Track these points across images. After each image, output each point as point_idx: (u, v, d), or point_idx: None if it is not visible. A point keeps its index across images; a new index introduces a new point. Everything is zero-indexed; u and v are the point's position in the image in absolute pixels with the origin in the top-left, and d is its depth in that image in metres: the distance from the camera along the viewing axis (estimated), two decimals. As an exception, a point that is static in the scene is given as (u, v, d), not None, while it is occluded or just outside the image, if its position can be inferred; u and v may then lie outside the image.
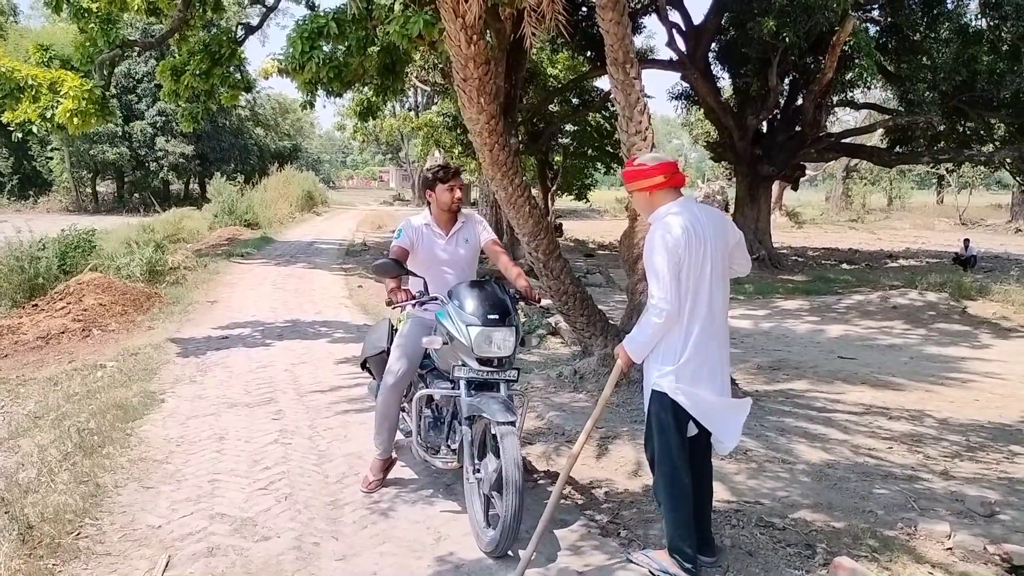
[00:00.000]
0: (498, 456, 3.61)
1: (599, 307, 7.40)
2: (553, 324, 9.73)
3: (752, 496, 4.65)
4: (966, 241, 22.30)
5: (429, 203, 4.55)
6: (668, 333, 3.48)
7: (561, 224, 29.43)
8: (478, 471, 3.87)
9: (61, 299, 10.06)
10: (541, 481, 4.74)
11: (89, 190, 45.83)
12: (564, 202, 36.98)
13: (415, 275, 4.29)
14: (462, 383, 3.95)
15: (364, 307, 11.64)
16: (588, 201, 33.81)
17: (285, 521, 4.11)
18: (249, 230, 24.77)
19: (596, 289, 14.41)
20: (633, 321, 7.28)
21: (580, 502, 4.51)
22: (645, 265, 3.54)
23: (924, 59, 17.44)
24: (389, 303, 4.13)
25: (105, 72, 16.56)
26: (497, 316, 3.92)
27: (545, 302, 7.64)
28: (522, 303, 4.34)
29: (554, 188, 27.03)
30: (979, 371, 8.86)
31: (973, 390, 7.96)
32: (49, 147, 42.32)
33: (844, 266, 22.35)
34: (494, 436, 3.65)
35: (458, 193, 4.50)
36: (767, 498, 4.63)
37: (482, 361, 3.89)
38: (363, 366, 4.95)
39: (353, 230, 28.97)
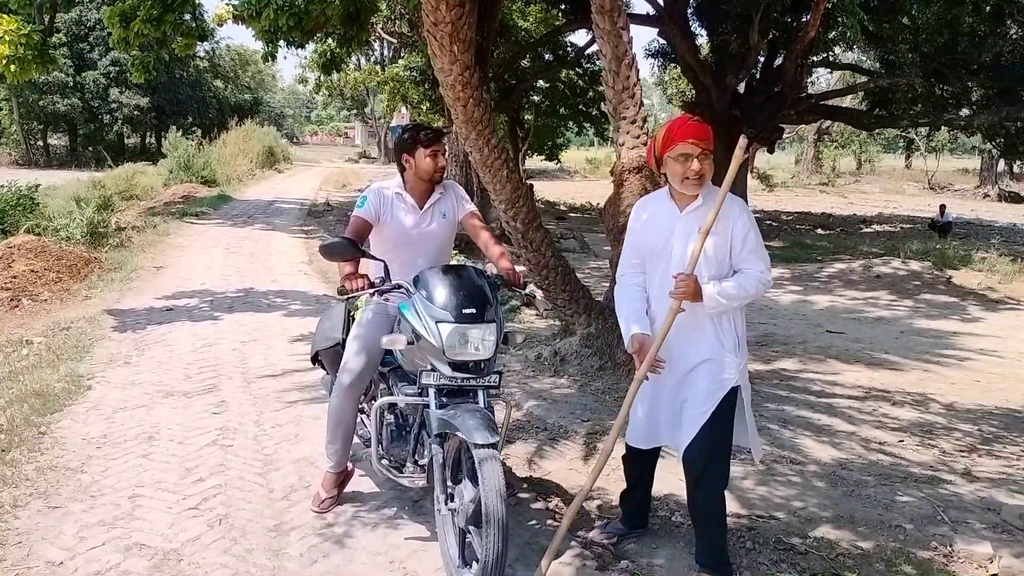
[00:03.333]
0: (476, 483, 2.93)
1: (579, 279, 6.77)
2: (526, 294, 9.07)
3: (765, 508, 4.06)
4: (942, 207, 21.94)
5: (404, 169, 3.77)
6: (742, 319, 3.28)
7: (532, 186, 28.62)
8: (451, 499, 3.16)
9: (-12, 264, 9.17)
10: (524, 495, 4.08)
11: (40, 143, 43.98)
12: (533, 162, 36.14)
13: (374, 258, 3.55)
14: (431, 391, 3.23)
15: (325, 274, 10.83)
16: (559, 162, 33.00)
17: (216, 554, 3.38)
18: (206, 187, 23.70)
19: (570, 255, 13.77)
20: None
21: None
22: (743, 237, 3.17)
23: (905, 19, 16.95)
24: (341, 291, 3.39)
25: (45, 16, 15.44)
26: (474, 310, 3.19)
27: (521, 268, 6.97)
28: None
29: (525, 148, 26.16)
30: (973, 347, 8.50)
31: (971, 370, 7.57)
32: (-3, 98, 40.42)
33: (819, 231, 22.01)
34: (471, 457, 2.97)
35: (442, 161, 3.71)
36: (782, 510, 4.05)
37: (456, 365, 3.18)
38: (314, 360, 4.18)
39: (316, 189, 27.93)
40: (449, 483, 3.20)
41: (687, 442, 3.15)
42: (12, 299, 8.44)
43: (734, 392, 3.14)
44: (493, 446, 2.91)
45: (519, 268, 7.09)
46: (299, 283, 10.24)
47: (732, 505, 4.04)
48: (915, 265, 13.52)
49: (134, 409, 5.26)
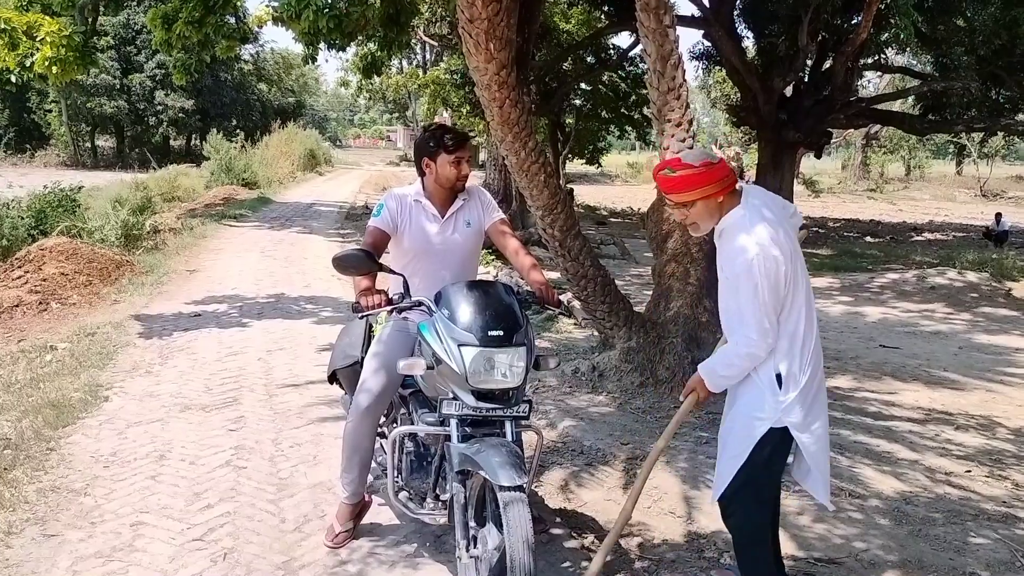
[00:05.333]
0: (501, 528, 2.60)
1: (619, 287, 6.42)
2: (565, 302, 8.72)
3: (824, 550, 3.68)
4: (998, 215, 21.16)
5: (424, 174, 3.45)
6: (781, 353, 2.83)
7: (572, 190, 28.28)
8: (474, 543, 2.82)
9: (20, 267, 9.05)
10: (557, 531, 3.73)
11: (88, 144, 44.72)
12: (573, 166, 35.77)
13: (391, 271, 3.24)
14: (452, 422, 2.89)
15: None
16: (600, 166, 32.57)
17: (219, 595, 3.10)
18: (247, 190, 23.73)
19: (610, 261, 13.43)
20: (661, 309, 6.38)
21: (608, 559, 3.51)
22: (728, 285, 2.84)
23: (961, 21, 16.39)
24: (356, 308, 3.07)
25: (88, 17, 15.54)
26: (501, 332, 2.84)
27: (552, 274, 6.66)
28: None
29: (565, 152, 25.78)
30: None
31: (1038, 390, 7.07)
32: (48, 99, 41.11)
33: (868, 239, 21.39)
34: (495, 499, 2.63)
35: (465, 169, 3.39)
36: (842, 552, 3.67)
37: (480, 394, 2.84)
38: (332, 379, 3.87)
39: (356, 192, 27.87)
40: (472, 524, 2.86)
41: (722, 487, 2.94)
42: (41, 302, 8.32)
43: (777, 433, 2.82)
44: (520, 488, 2.58)
45: (553, 275, 6.77)
46: (331, 289, 10.01)
47: (788, 545, 3.68)
48: (972, 276, 12.96)
49: (149, 424, 5.02)
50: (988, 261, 14.43)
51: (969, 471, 4.88)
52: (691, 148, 6.11)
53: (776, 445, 2.82)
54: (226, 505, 3.90)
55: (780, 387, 2.78)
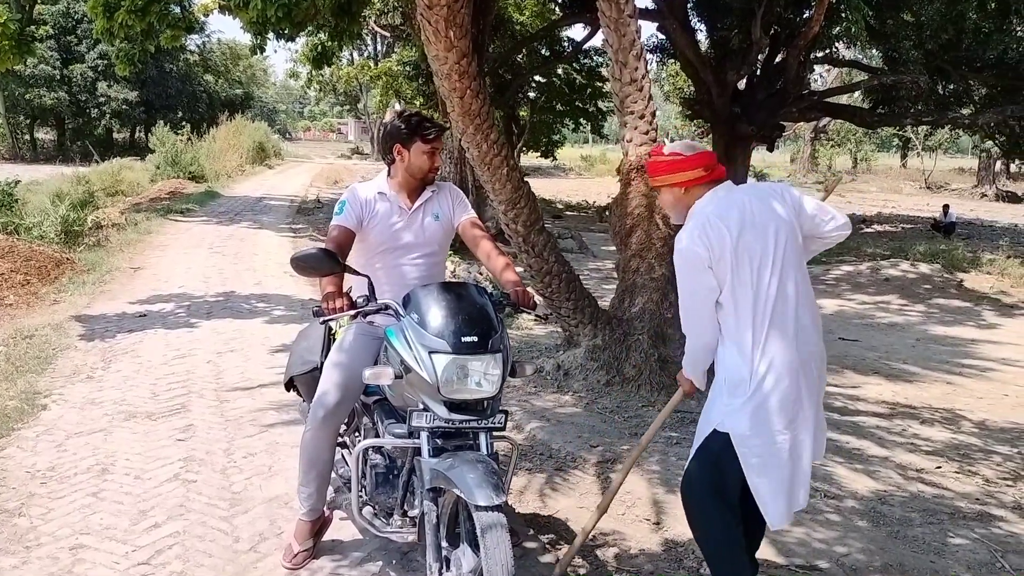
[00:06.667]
0: (477, 551, 2.41)
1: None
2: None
3: (805, 556, 3.58)
4: (945, 207, 21.55)
5: (392, 162, 3.20)
6: (730, 356, 2.73)
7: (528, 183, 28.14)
8: (447, 566, 2.61)
9: (-49, 266, 8.58)
10: (530, 544, 3.54)
11: (27, 137, 43.26)
12: (527, 159, 35.62)
13: (357, 273, 3.01)
14: (423, 435, 2.69)
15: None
16: (555, 159, 32.48)
17: (167, 628, 2.85)
18: (194, 183, 23.06)
19: (568, 255, 13.25)
20: (626, 305, 6.25)
21: (583, 573, 3.34)
22: None
23: (909, 16, 16.66)
24: (317, 313, 2.85)
25: (24, 4, 15.01)
26: (475, 338, 2.64)
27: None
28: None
29: (520, 145, 25.62)
30: (995, 357, 8.17)
31: (997, 382, 7.21)
32: (-18, 90, 39.68)
33: (820, 231, 21.60)
34: (470, 518, 2.44)
35: (438, 161, 3.19)
36: (822, 557, 3.57)
37: (453, 405, 2.64)
38: (289, 386, 3.62)
39: (307, 185, 27.34)
40: (445, 544, 2.65)
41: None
42: (-26, 304, 7.88)
43: (722, 438, 2.70)
44: (499, 508, 2.38)
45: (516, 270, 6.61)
46: (284, 286, 9.67)
47: (767, 551, 3.55)
48: (924, 268, 13.17)
49: (90, 434, 4.68)
50: (939, 253, 14.65)
51: (940, 467, 4.86)
52: (655, 141, 6.02)
53: (723, 450, 2.70)
54: (175, 524, 3.61)
55: (727, 389, 2.73)
